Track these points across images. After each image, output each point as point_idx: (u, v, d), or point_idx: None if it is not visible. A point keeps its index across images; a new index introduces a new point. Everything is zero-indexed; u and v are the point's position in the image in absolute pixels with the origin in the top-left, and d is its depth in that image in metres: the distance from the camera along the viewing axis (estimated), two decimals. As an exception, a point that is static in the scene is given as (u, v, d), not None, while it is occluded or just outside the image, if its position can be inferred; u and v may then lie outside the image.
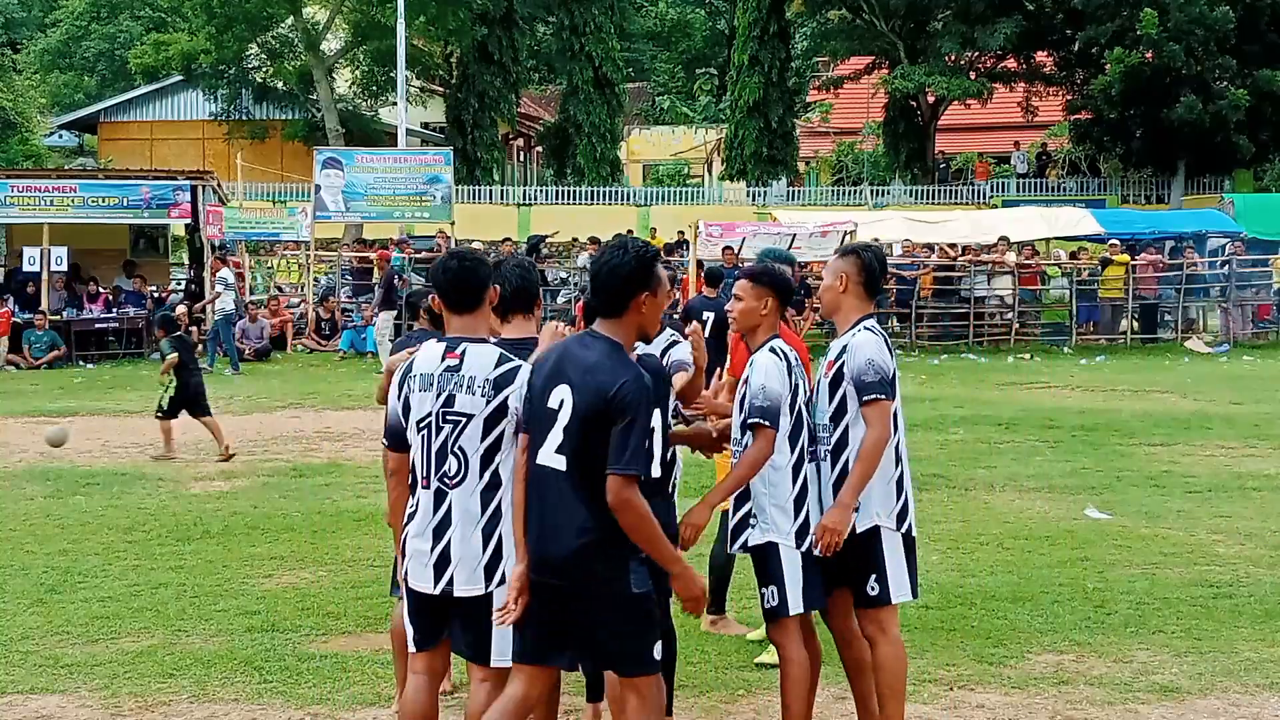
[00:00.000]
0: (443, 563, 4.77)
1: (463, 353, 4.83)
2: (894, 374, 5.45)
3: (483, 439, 4.77)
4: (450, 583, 4.76)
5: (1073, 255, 29.36)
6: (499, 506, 4.79)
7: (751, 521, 5.46)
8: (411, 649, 4.96)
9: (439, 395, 4.81)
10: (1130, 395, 18.70)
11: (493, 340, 4.99)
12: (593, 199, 42.86)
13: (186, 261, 28.26)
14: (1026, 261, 27.95)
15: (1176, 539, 9.77)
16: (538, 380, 4.64)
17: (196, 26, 42.09)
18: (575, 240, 31.91)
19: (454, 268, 4.96)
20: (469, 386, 4.78)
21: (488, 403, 4.77)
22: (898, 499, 5.47)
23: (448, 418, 4.79)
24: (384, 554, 9.00)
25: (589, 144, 46.82)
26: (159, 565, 9.21)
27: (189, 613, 8.02)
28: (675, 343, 5.95)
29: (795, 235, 27.84)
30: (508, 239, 30.64)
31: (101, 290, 25.95)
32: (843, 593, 5.51)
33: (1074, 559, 9.07)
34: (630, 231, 33.02)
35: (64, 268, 25.38)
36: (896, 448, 5.45)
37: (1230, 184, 38.89)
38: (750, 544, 5.46)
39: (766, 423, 5.32)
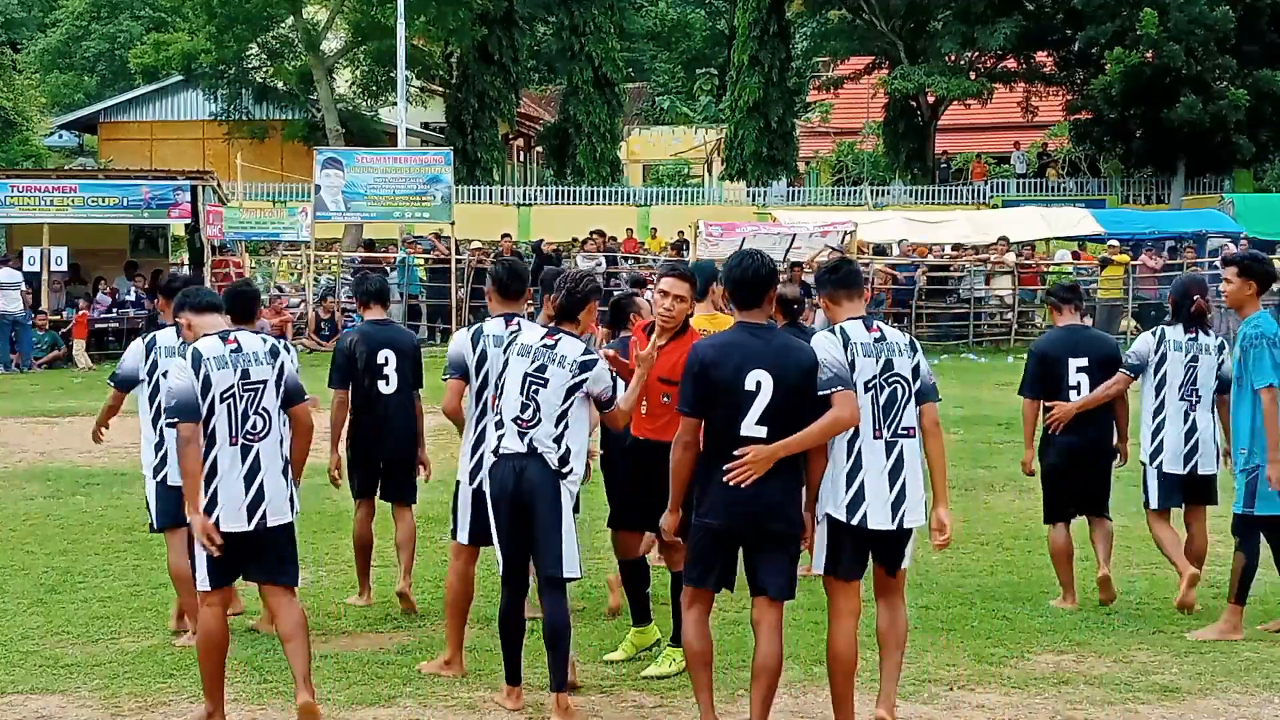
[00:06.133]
0: (255, 504, 5.99)
1: (237, 338, 6.13)
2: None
3: (275, 398, 6.11)
4: (264, 518, 5.99)
5: (1074, 256, 29.38)
6: (285, 452, 6.17)
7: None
8: (207, 587, 6.02)
9: (235, 370, 6.04)
10: (1130, 395, 18.66)
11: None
12: (593, 199, 42.83)
13: (186, 261, 28.22)
14: (1026, 261, 27.94)
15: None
16: (725, 371, 5.57)
17: (196, 26, 42.01)
18: (574, 240, 31.88)
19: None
20: (256, 360, 6.08)
21: (271, 368, 6.11)
22: None
23: (247, 387, 6.05)
24: (385, 554, 9.01)
25: (589, 144, 46.79)
26: (159, 565, 9.18)
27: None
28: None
29: (795, 235, 27.83)
30: (506, 235, 30.64)
31: (105, 290, 25.90)
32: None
33: (1074, 559, 9.05)
34: (630, 231, 33.07)
35: (64, 268, 25.35)
36: None
37: (1230, 184, 38.85)
38: None
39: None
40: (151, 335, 7.56)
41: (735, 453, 5.57)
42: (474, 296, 26.95)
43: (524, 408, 6.18)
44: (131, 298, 25.95)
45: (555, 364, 6.19)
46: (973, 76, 41.67)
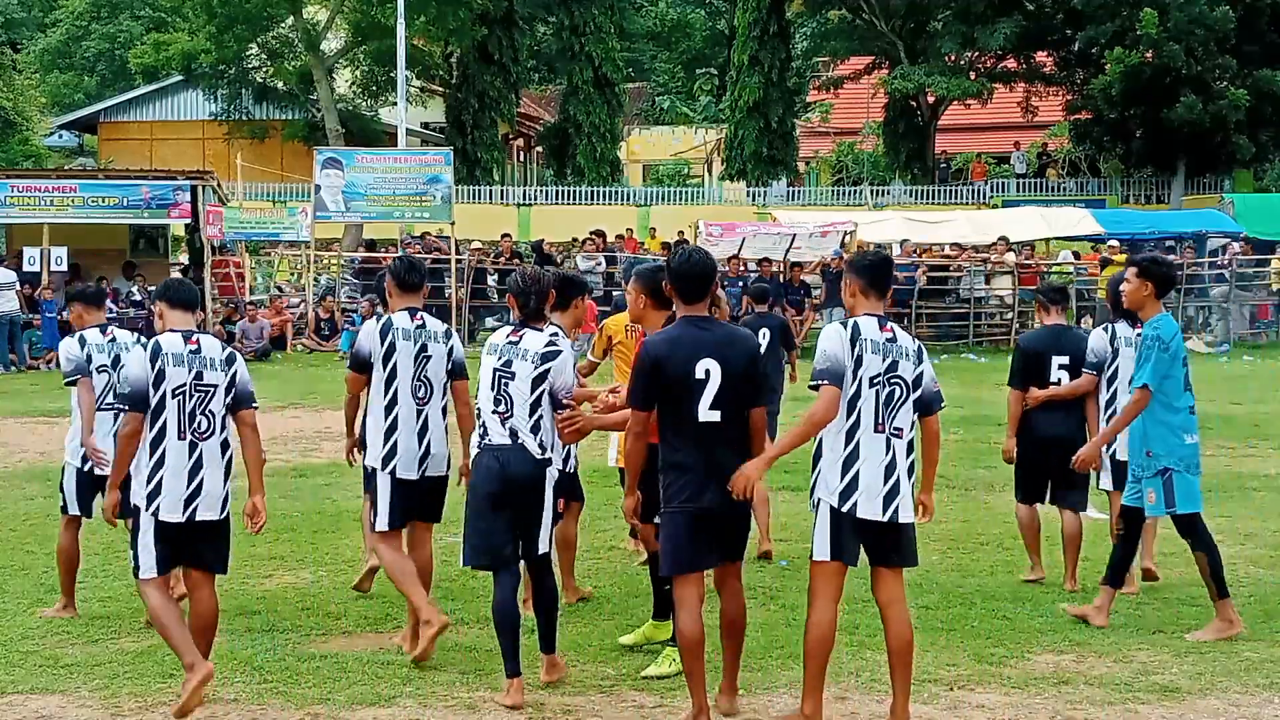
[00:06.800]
0: (191, 498, 6.27)
1: (199, 340, 6.38)
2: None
3: (223, 402, 6.38)
4: (194, 512, 6.28)
5: (1075, 255, 29.37)
6: (229, 454, 6.42)
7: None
8: (154, 574, 6.29)
9: (190, 370, 6.30)
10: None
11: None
12: (593, 199, 42.86)
13: (186, 261, 28.22)
14: (1026, 262, 27.94)
15: (1176, 539, 9.74)
16: (674, 364, 5.89)
17: (196, 26, 42.03)
18: (574, 240, 31.90)
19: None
20: (211, 365, 6.36)
21: (224, 374, 6.39)
22: None
23: (198, 388, 6.31)
24: (384, 554, 9.00)
25: (589, 144, 46.80)
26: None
27: (189, 613, 8.01)
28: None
29: (795, 235, 27.84)
30: (506, 235, 30.65)
31: (108, 290, 25.89)
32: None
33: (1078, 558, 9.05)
34: (630, 231, 33.09)
35: (64, 268, 25.32)
36: None
37: (1230, 184, 38.87)
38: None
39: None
40: (79, 333, 7.96)
41: (732, 479, 5.87)
42: (474, 296, 26.97)
43: (498, 401, 6.51)
44: (138, 297, 25.95)
45: (519, 358, 6.51)
46: (973, 76, 41.67)
